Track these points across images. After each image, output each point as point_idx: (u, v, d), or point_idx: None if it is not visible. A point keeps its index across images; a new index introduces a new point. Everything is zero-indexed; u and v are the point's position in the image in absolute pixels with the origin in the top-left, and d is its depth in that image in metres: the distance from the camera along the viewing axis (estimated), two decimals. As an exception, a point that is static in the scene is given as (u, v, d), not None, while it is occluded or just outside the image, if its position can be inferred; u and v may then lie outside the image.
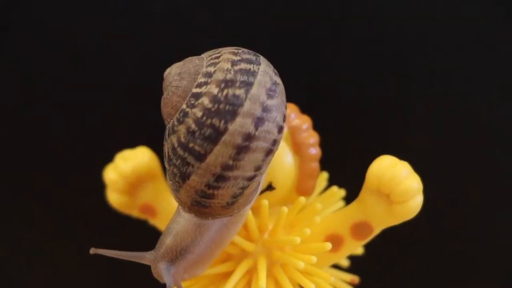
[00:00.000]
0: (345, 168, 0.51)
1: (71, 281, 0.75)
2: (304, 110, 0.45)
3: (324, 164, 0.46)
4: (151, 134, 0.49)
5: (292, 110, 0.45)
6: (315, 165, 0.45)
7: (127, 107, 0.70)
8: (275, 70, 0.39)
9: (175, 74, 0.39)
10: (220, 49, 0.39)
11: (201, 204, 0.38)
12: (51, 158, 0.72)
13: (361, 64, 0.67)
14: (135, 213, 0.48)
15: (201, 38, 0.67)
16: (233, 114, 0.36)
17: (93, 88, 0.70)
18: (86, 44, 0.68)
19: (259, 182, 0.41)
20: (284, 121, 0.38)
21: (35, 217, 0.74)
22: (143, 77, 0.67)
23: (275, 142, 0.37)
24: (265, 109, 0.36)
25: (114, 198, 0.47)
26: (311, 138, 0.44)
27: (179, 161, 0.37)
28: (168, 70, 0.40)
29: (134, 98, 0.69)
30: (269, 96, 0.37)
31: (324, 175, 0.49)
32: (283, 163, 0.44)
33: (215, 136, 0.36)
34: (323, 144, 0.45)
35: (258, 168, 0.37)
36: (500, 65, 0.66)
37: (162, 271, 0.41)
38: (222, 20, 0.67)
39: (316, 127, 0.45)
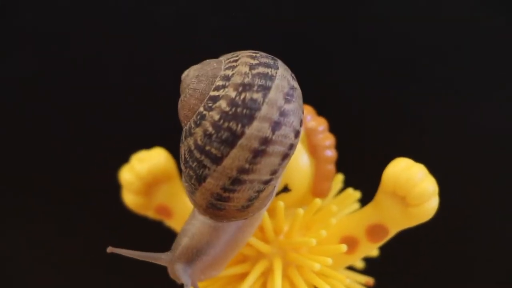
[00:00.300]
0: (360, 170, 0.51)
1: (71, 281, 0.75)
2: (320, 112, 0.45)
3: (340, 166, 0.46)
4: (151, 135, 0.49)
5: (308, 112, 0.45)
6: (331, 167, 0.45)
7: (127, 107, 0.70)
8: (293, 75, 0.39)
9: (193, 76, 0.39)
10: (238, 52, 0.39)
11: (216, 207, 0.38)
12: (51, 158, 0.71)
13: (377, 66, 0.67)
14: (150, 214, 0.48)
15: (207, 40, 0.67)
16: (250, 118, 0.36)
17: (94, 88, 0.70)
18: (88, 44, 0.68)
19: (275, 186, 0.41)
20: (301, 125, 0.38)
21: (35, 217, 0.74)
22: (147, 78, 0.67)
23: (291, 147, 0.38)
24: (282, 113, 0.37)
25: (130, 199, 0.47)
26: (327, 140, 0.44)
27: (195, 164, 0.37)
28: (186, 72, 0.40)
29: (138, 99, 0.69)
30: (287, 101, 0.37)
31: (340, 177, 0.49)
32: (299, 165, 0.44)
33: (232, 140, 0.36)
34: (338, 146, 0.45)
35: (274, 172, 0.37)
36: (500, 65, 0.67)
37: (180, 272, 0.41)
38: (225, 23, 0.67)
39: (332, 129, 0.45)
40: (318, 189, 0.45)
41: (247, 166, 0.36)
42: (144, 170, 0.46)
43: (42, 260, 0.75)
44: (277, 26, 0.68)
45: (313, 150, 0.44)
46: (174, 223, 0.47)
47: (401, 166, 0.42)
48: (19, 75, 0.70)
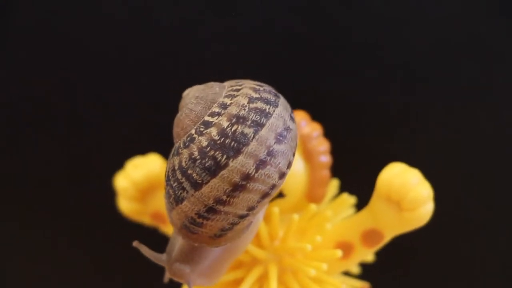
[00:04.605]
0: (355, 175, 0.51)
1: (71, 281, 0.75)
2: (314, 117, 0.45)
3: (335, 171, 0.46)
4: (151, 140, 0.49)
5: (303, 118, 0.45)
6: (326, 172, 0.45)
7: (122, 112, 0.70)
8: (292, 115, 0.39)
9: (193, 96, 0.39)
10: (243, 82, 0.39)
11: (190, 230, 0.38)
12: (52, 158, 0.72)
13: (371, 71, 0.67)
14: (146, 220, 0.48)
15: (207, 45, 0.67)
16: (237, 152, 0.36)
17: (97, 90, 0.70)
18: (93, 48, 0.68)
19: (252, 222, 0.40)
20: (288, 167, 0.38)
21: (35, 217, 0.74)
22: (149, 85, 0.67)
23: (273, 187, 0.37)
24: (270, 153, 0.36)
25: (125, 205, 0.47)
26: (322, 146, 0.44)
27: (175, 184, 0.37)
28: (187, 91, 0.40)
29: (134, 104, 0.69)
30: (278, 141, 0.37)
31: (335, 182, 0.49)
32: (294, 170, 0.44)
33: (214, 169, 0.36)
34: (333, 151, 0.45)
35: (251, 208, 0.37)
36: (501, 65, 0.66)
37: (180, 268, 0.41)
38: (225, 28, 0.67)
39: (326, 134, 0.45)
40: (313, 195, 0.45)
41: (224, 197, 0.36)
42: (139, 177, 0.46)
43: (42, 260, 0.75)
44: (284, 32, 0.67)
45: (308, 156, 0.44)
46: (170, 229, 0.47)
47: (396, 171, 0.42)
48: (19, 75, 0.70)
